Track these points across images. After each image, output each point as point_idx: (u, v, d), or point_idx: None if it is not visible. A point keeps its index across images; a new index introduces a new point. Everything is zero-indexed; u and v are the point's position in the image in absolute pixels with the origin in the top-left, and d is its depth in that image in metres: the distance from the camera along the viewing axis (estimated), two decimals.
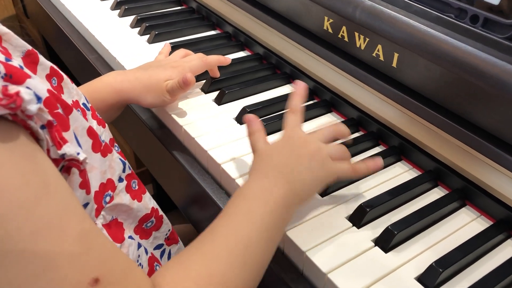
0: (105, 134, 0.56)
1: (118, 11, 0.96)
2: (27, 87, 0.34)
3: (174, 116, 0.69)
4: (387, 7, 0.60)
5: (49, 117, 0.35)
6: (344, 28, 0.66)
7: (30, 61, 0.44)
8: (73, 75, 1.03)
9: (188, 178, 0.64)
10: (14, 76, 0.33)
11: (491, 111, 0.52)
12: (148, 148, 0.76)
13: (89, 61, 0.86)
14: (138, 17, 0.91)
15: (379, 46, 0.62)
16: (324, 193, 0.57)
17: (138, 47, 0.85)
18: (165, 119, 0.71)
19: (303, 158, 0.51)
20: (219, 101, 0.72)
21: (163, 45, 0.80)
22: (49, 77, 0.47)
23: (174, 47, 0.81)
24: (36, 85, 0.35)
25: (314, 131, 0.55)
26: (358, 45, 0.65)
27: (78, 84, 0.98)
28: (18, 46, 0.43)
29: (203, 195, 0.62)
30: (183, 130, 0.67)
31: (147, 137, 0.73)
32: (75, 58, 0.94)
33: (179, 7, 0.99)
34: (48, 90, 0.37)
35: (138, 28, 0.90)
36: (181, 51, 0.75)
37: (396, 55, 0.60)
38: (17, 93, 0.32)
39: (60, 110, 0.39)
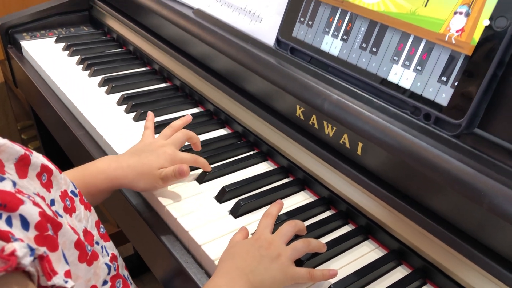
0: (91, 218, 0.60)
1: (106, 88, 1.02)
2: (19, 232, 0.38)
3: (157, 196, 0.73)
4: (352, 101, 0.67)
5: (40, 252, 0.40)
6: (314, 116, 0.73)
7: (22, 164, 0.49)
8: (61, 147, 1.08)
9: (169, 256, 0.68)
10: (8, 205, 0.38)
11: (443, 199, 0.58)
12: (131, 224, 0.80)
13: (77, 138, 0.91)
14: (125, 95, 0.97)
15: (345, 135, 0.69)
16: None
17: (125, 125, 0.90)
18: (148, 198, 0.76)
19: (265, 260, 0.57)
20: (200, 180, 0.77)
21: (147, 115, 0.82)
22: (39, 175, 0.51)
23: (159, 126, 0.86)
24: (29, 211, 0.40)
25: (278, 231, 0.62)
26: (326, 133, 0.72)
27: (67, 159, 1.02)
28: (12, 154, 0.47)
29: (183, 274, 0.66)
30: (165, 210, 0.71)
31: (130, 213, 0.77)
32: (63, 133, 0.98)
33: (164, 84, 1.06)
34: (40, 213, 0.41)
35: (125, 106, 0.96)
36: (168, 132, 0.78)
37: (360, 144, 0.67)
38: (13, 253, 0.36)
39: (50, 232, 0.43)
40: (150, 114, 0.82)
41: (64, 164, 1.15)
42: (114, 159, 0.73)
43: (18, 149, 0.49)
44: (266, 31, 0.84)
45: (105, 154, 0.87)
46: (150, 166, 0.71)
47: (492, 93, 0.58)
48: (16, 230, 0.39)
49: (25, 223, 0.40)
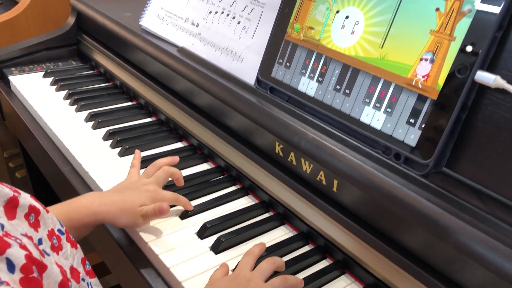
0: (77, 256, 0.62)
1: (92, 123, 1.04)
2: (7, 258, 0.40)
3: (139, 232, 0.75)
4: (327, 140, 0.70)
5: None
6: (292, 153, 0.76)
7: (11, 206, 0.51)
8: (48, 182, 1.09)
9: None
10: None
11: (413, 236, 0.61)
12: (114, 258, 0.81)
13: (62, 173, 0.93)
14: (110, 131, 0.99)
15: (322, 172, 0.71)
16: None
17: (110, 161, 0.92)
18: (131, 234, 0.77)
19: None
20: (183, 215, 0.79)
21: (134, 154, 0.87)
22: (27, 216, 0.53)
23: (144, 161, 0.89)
24: (15, 253, 0.42)
25: (257, 268, 0.64)
26: (304, 169, 0.74)
27: (54, 195, 1.03)
28: (1, 197, 0.49)
29: None
30: (147, 246, 0.73)
31: (112, 247, 0.79)
32: (49, 167, 1.00)
33: (149, 119, 1.09)
34: (26, 256, 0.43)
35: (110, 141, 0.98)
36: (150, 170, 0.81)
37: (336, 182, 0.69)
38: None
39: (35, 274, 0.45)
40: (137, 152, 0.86)
41: (50, 194, 1.17)
42: (98, 195, 0.76)
43: (7, 191, 0.51)
44: (247, 70, 0.87)
45: (90, 189, 0.88)
46: (132, 203, 0.73)
47: (457, 134, 0.61)
48: (2, 273, 0.41)
49: (11, 266, 0.42)
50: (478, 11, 0.58)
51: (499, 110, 0.58)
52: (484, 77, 0.57)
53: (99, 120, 1.03)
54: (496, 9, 0.57)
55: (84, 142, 0.97)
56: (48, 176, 1.08)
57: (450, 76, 0.60)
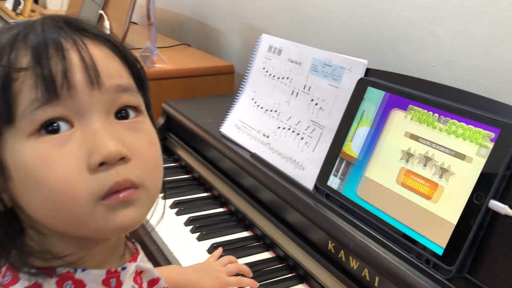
0: None
1: (175, 210, 1.26)
2: None
3: None
4: (372, 243, 0.87)
5: None
6: (342, 251, 0.92)
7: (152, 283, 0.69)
8: None
9: None
10: None
11: None
12: None
13: (151, 253, 1.13)
14: (191, 218, 1.20)
15: (366, 270, 0.87)
16: None
17: (190, 243, 1.12)
18: None
19: None
20: None
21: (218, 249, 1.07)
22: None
23: (217, 246, 1.08)
24: None
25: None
26: (352, 266, 0.90)
27: None
28: (149, 275, 0.66)
29: None
30: None
31: None
32: None
33: (221, 209, 1.29)
34: None
35: (191, 227, 1.18)
36: (225, 261, 1.01)
37: (377, 278, 0.85)
38: None
39: None
40: (220, 250, 1.06)
41: None
42: (182, 271, 0.95)
43: (155, 273, 0.67)
44: (307, 177, 1.07)
45: (169, 263, 1.08)
46: (202, 285, 0.92)
47: (476, 248, 0.76)
48: None
49: None
50: (490, 156, 0.76)
51: (509, 231, 0.74)
52: (496, 205, 0.74)
53: (182, 208, 1.24)
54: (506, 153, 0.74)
55: (169, 228, 1.18)
56: None
57: (469, 202, 0.77)
